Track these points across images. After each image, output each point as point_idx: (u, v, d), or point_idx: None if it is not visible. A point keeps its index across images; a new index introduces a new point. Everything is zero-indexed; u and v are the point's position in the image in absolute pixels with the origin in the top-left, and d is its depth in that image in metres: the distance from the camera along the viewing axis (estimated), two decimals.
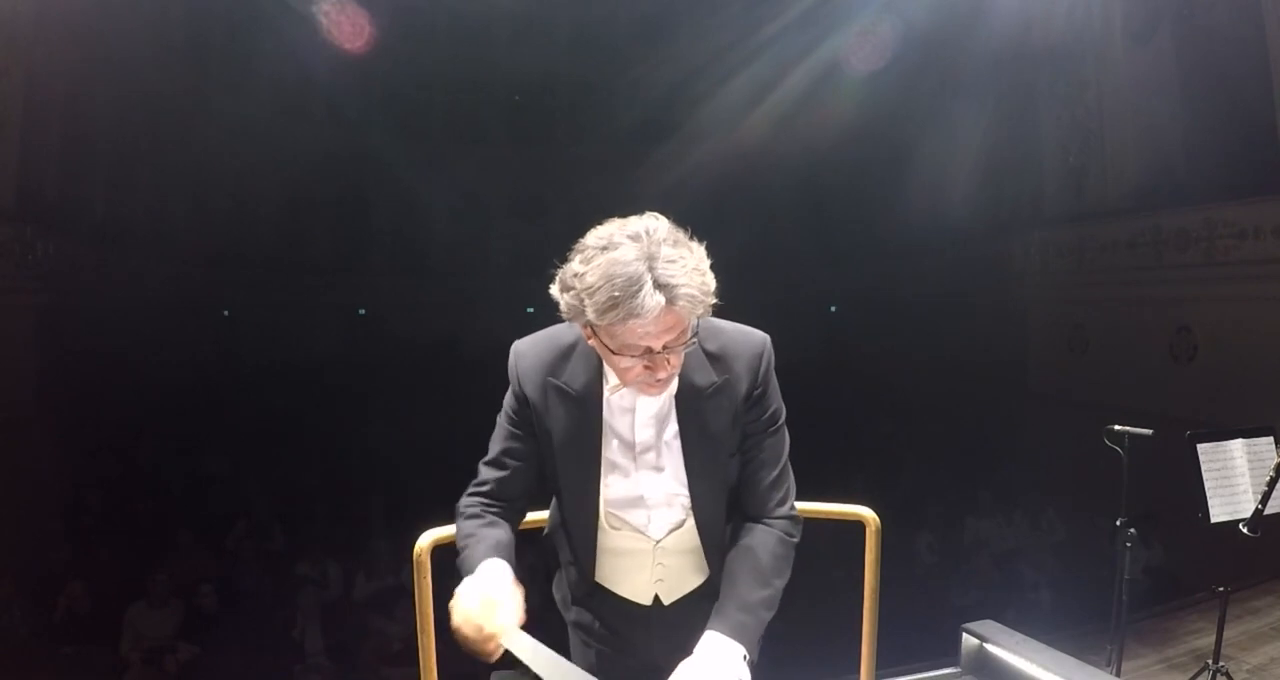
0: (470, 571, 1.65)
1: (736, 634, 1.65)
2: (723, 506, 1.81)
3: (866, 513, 2.34)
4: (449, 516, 2.29)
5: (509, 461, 1.81)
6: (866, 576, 2.33)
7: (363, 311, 15.75)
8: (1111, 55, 9.79)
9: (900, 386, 13.40)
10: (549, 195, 15.66)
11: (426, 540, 2.14)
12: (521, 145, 15.70)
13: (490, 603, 1.56)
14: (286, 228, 14.68)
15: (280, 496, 9.23)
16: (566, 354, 1.75)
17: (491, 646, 1.55)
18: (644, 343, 1.53)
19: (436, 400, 11.96)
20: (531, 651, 1.55)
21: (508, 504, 1.82)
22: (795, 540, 1.82)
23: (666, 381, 1.66)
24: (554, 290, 1.59)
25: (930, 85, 12.46)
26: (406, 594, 6.03)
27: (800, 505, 1.93)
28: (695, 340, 1.63)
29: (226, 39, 12.51)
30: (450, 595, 1.62)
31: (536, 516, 2.28)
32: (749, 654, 1.67)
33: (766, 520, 1.80)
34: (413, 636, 2.21)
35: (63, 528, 8.26)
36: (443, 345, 14.46)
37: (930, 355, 12.77)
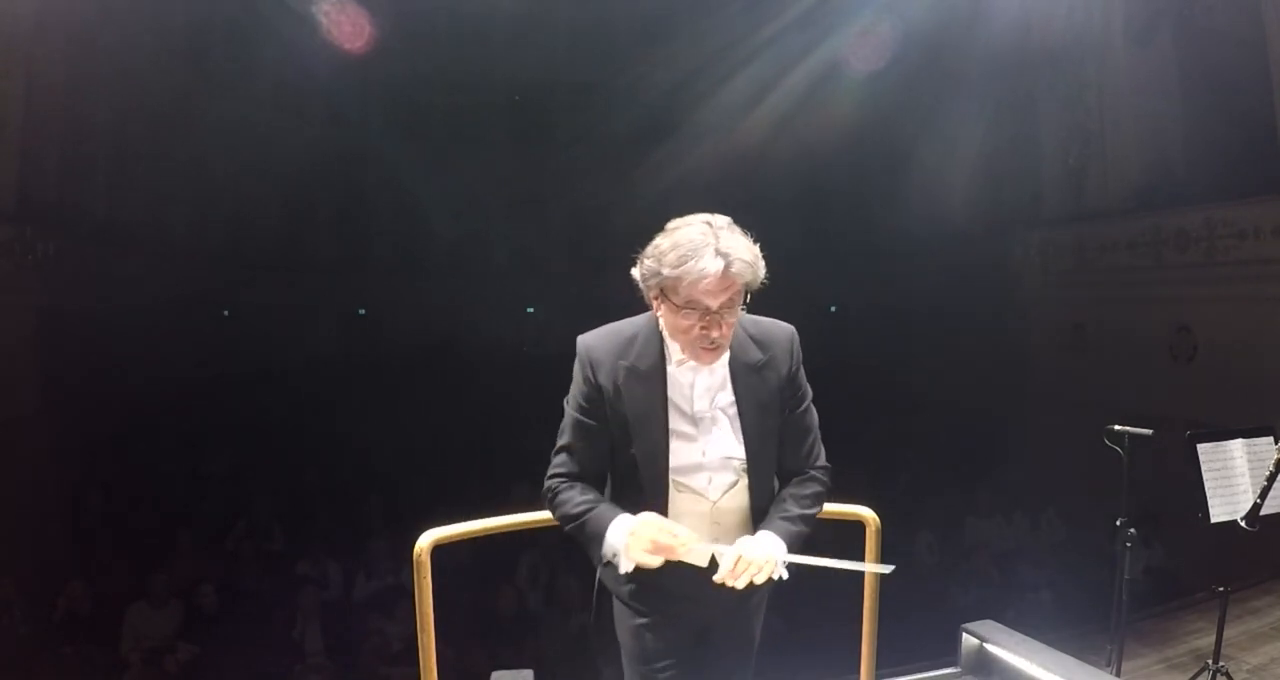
0: (605, 526, 1.94)
1: (782, 534, 1.97)
2: (772, 466, 2.11)
3: (866, 513, 2.35)
4: (448, 516, 2.29)
5: (585, 444, 2.06)
6: (867, 576, 2.34)
7: (363, 311, 15.72)
8: (1112, 56, 9.78)
9: (900, 386, 13.39)
10: (549, 195, 15.61)
11: (426, 540, 2.14)
12: (521, 145, 15.63)
13: (669, 525, 1.90)
14: (286, 228, 14.65)
15: (280, 496, 9.22)
16: (632, 340, 2.06)
17: (679, 545, 1.86)
18: (705, 301, 1.87)
19: (436, 400, 11.95)
20: (710, 548, 1.90)
21: (593, 479, 2.08)
22: (829, 483, 2.14)
23: (720, 347, 1.96)
24: (634, 270, 1.95)
25: (930, 86, 12.44)
26: (406, 594, 6.03)
27: None
28: (747, 304, 1.95)
29: (226, 40, 12.50)
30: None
31: (540, 516, 2.28)
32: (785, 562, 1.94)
33: (806, 471, 2.12)
34: (413, 636, 2.22)
35: (63, 528, 8.26)
36: (442, 345, 14.44)
37: (930, 355, 12.76)
